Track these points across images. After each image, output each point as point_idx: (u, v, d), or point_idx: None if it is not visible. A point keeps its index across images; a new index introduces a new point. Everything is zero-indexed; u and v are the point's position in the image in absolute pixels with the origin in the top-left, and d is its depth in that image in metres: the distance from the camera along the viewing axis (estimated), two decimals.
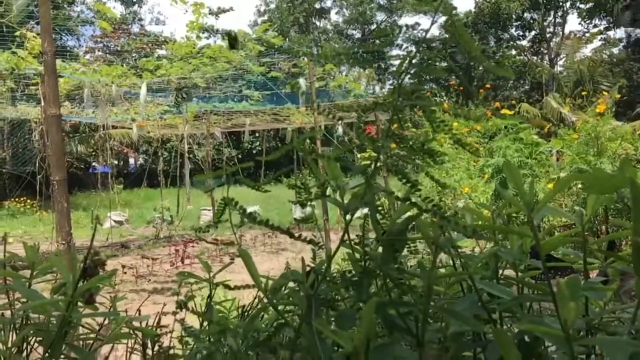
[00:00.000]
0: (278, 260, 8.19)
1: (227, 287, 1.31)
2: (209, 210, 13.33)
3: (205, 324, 1.10)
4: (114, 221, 13.28)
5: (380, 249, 0.71)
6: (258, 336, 0.76)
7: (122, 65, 9.94)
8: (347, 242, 0.73)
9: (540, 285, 1.00)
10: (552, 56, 31.64)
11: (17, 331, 1.11)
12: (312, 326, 0.69)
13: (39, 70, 7.79)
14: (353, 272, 0.70)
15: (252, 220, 0.82)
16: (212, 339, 0.91)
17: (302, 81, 8.86)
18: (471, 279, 0.83)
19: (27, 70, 8.26)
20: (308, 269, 0.76)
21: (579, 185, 6.39)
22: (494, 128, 7.84)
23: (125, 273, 7.09)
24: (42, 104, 7.93)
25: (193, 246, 8.82)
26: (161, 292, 6.56)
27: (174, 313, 1.33)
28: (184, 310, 1.31)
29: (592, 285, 0.92)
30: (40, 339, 1.06)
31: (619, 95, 12.57)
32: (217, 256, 8.67)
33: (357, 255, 0.73)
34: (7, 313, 1.17)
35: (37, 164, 11.79)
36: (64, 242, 4.36)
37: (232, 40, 7.38)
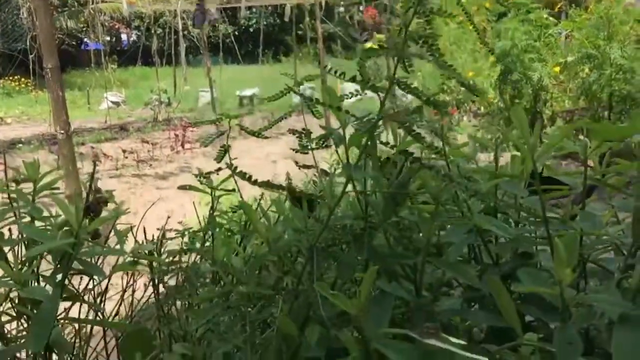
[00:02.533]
0: (278, 144, 8.24)
1: (227, 191, 1.33)
2: (207, 91, 13.17)
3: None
4: (111, 102, 13.18)
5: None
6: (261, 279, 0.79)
7: None
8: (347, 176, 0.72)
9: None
10: None
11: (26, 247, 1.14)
12: (313, 274, 0.71)
13: None
14: (354, 224, 0.71)
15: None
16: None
17: None
18: (469, 210, 0.84)
19: None
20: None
21: (586, 71, 6.26)
22: (502, 8, 7.50)
23: (127, 157, 7.17)
24: None
25: (192, 130, 8.84)
26: (163, 178, 6.68)
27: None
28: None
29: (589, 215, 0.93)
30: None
31: None
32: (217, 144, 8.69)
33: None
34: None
35: (27, 42, 11.44)
36: (62, 131, 4.37)
37: None
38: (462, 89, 0.86)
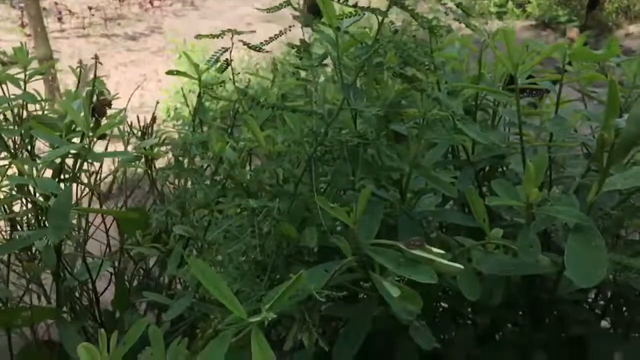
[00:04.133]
0: (253, 3, 7.90)
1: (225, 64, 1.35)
2: None
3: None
4: None
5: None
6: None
7: None
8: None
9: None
10: None
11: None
12: (312, 182, 0.79)
13: None
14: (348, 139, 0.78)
15: None
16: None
17: None
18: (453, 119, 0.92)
19: None
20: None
21: None
22: None
23: (93, 15, 6.85)
24: None
25: None
26: (133, 39, 6.46)
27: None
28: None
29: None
30: None
31: None
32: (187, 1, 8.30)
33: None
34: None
35: None
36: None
37: None
38: None
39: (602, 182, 0.73)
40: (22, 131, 1.15)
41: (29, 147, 1.20)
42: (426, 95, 0.74)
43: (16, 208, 1.15)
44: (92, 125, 0.90)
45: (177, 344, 0.79)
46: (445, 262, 0.64)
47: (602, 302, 1.06)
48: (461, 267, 0.65)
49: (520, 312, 0.97)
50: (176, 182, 1.50)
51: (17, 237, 0.98)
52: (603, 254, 0.70)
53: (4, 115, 1.24)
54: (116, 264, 1.35)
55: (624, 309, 1.01)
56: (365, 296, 0.83)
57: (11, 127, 1.18)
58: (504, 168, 1.06)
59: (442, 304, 1.01)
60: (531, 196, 0.73)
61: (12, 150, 1.13)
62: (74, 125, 0.94)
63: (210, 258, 0.95)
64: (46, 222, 1.01)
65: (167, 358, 0.77)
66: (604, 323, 1.05)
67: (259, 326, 0.63)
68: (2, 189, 1.02)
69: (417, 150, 0.78)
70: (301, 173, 0.81)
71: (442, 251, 0.65)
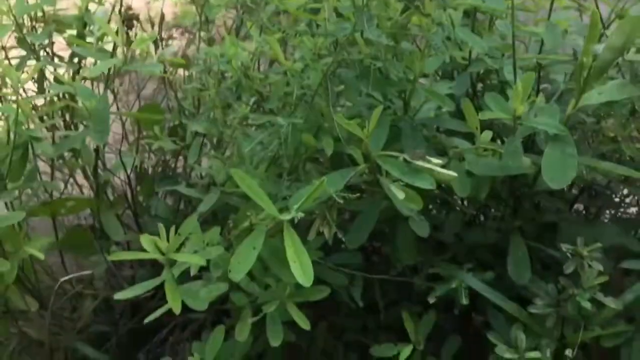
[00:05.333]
0: None
1: None
2: None
3: None
4: None
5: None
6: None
7: None
8: None
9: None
10: None
11: None
12: (329, 96, 0.90)
13: None
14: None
15: None
16: None
17: None
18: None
19: None
20: None
21: None
22: None
23: None
24: None
25: None
26: None
27: None
28: None
29: None
30: None
31: None
32: None
33: None
34: None
35: None
36: None
37: None
38: None
39: (579, 98, 0.85)
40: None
41: (50, 50, 1.27)
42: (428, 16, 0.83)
43: None
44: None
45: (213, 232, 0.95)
46: (443, 170, 0.78)
47: (574, 192, 1.22)
48: (455, 174, 0.79)
49: (503, 203, 1.13)
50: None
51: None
52: (573, 161, 0.83)
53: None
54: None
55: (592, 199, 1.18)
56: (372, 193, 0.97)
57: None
58: (498, 75, 1.16)
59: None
60: (517, 111, 0.84)
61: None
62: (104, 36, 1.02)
63: (232, 156, 1.08)
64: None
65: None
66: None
67: (289, 222, 0.77)
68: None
69: (421, 67, 0.89)
70: (317, 86, 0.92)
71: (440, 161, 0.79)
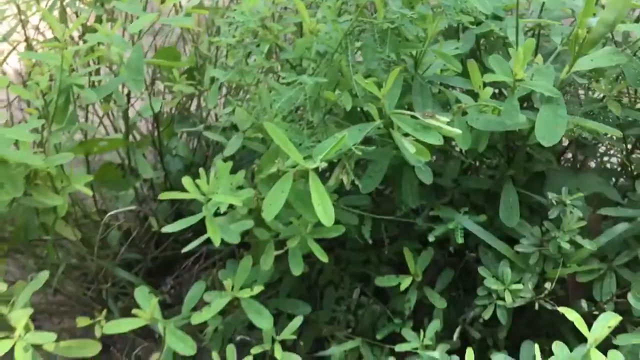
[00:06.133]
0: None
1: None
2: None
3: None
4: None
5: None
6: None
7: None
8: None
9: None
10: None
11: None
12: (348, 55, 1.00)
13: None
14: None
15: None
16: None
17: None
18: None
19: None
20: None
21: None
22: None
23: None
24: None
25: None
26: None
27: None
28: None
29: None
30: None
31: None
32: None
33: None
34: None
35: None
36: None
37: None
38: None
39: (573, 64, 0.95)
40: None
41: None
42: None
43: None
44: None
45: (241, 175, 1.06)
46: (449, 128, 0.89)
47: (564, 145, 1.34)
48: (460, 131, 0.90)
49: (498, 153, 1.25)
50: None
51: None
52: (563, 121, 0.95)
53: None
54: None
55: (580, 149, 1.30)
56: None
57: None
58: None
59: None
60: (517, 75, 0.95)
61: None
62: None
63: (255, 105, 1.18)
64: None
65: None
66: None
67: (314, 170, 0.89)
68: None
69: (434, 29, 0.98)
70: (337, 45, 1.01)
71: (447, 119, 0.90)
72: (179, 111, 1.69)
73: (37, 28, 1.52)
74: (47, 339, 0.92)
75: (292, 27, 1.17)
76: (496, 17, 1.20)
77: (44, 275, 0.98)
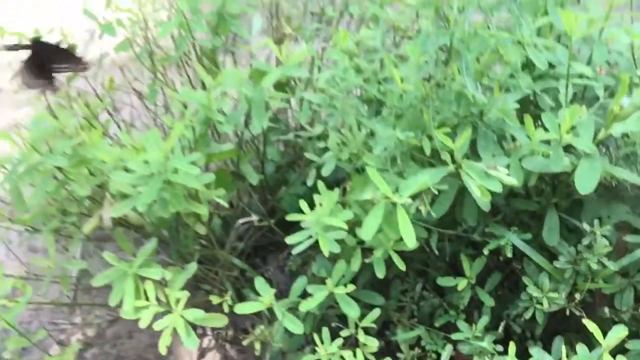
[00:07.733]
0: None
1: None
2: None
3: None
4: None
5: None
6: None
7: None
8: None
9: None
10: None
11: None
12: None
13: None
14: None
15: None
16: None
17: None
18: None
19: None
20: None
21: None
22: None
23: None
24: None
25: None
26: None
27: None
28: None
29: None
30: None
31: None
32: None
33: None
34: None
35: None
36: None
37: None
38: None
39: (608, 129, 1.20)
40: None
41: None
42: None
43: None
44: None
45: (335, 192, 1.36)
46: (507, 177, 1.17)
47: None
48: (516, 181, 1.18)
49: (544, 182, 1.51)
50: None
51: None
52: (597, 172, 1.20)
53: None
54: None
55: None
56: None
57: None
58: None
59: None
60: (564, 134, 1.21)
61: None
62: None
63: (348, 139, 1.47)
64: None
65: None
66: None
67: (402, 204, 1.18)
68: None
69: (497, 92, 1.25)
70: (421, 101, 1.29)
71: (506, 170, 1.17)
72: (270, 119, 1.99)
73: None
74: (198, 315, 1.26)
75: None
76: (551, 65, 1.46)
77: (193, 266, 1.32)
